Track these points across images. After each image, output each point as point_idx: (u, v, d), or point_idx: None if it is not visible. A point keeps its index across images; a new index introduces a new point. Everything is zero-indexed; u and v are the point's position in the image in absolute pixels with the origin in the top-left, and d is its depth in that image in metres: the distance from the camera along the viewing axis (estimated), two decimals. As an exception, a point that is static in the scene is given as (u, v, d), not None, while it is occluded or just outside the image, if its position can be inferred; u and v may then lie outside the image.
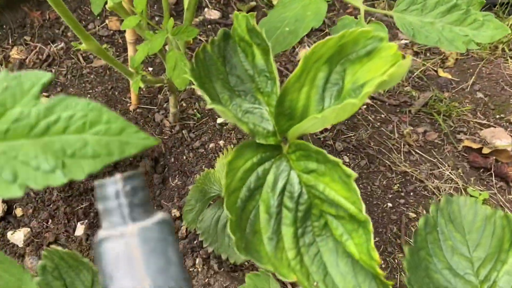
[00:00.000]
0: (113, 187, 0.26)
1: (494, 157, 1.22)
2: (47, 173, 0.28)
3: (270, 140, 0.48)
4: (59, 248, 0.51)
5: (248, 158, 0.47)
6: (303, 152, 0.46)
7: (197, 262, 0.88)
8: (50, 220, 0.91)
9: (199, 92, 0.46)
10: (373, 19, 1.44)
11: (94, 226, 0.91)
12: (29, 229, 0.89)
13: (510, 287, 0.54)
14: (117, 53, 1.31)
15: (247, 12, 0.53)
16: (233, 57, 0.55)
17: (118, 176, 0.26)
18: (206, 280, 0.86)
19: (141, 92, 1.18)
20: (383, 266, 0.98)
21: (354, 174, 0.40)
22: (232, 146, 1.08)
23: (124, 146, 0.29)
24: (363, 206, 0.40)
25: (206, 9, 1.47)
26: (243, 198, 0.46)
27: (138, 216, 0.26)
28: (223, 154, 0.87)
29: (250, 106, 0.52)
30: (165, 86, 0.98)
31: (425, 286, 0.50)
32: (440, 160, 1.22)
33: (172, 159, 1.07)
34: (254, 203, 0.47)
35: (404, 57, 0.42)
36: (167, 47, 0.90)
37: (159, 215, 0.26)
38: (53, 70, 1.25)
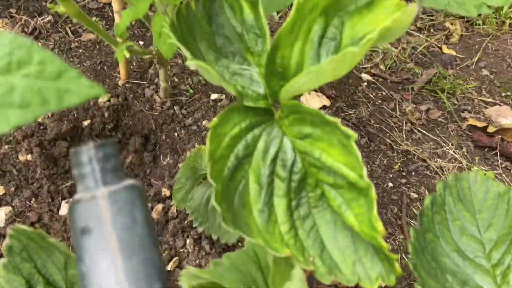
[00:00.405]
0: (87, 154, 0.28)
1: (499, 136, 1.17)
2: None
3: (260, 103, 0.43)
4: (26, 227, 0.46)
5: (235, 123, 0.42)
6: (296, 115, 0.41)
7: (187, 242, 0.83)
8: (33, 199, 0.86)
9: (179, 46, 0.41)
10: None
11: (79, 205, 0.87)
12: (11, 208, 0.84)
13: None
14: (107, 27, 1.25)
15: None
16: (220, 14, 0.49)
17: (91, 143, 0.28)
18: (197, 262, 0.82)
19: (131, 67, 1.13)
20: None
21: (354, 135, 0.35)
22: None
23: (63, 94, 0.24)
24: (364, 171, 0.35)
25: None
26: (230, 167, 0.41)
27: (109, 180, 0.28)
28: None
29: (238, 67, 0.47)
30: (154, 59, 0.93)
31: (432, 271, 0.45)
32: (444, 139, 1.17)
33: (163, 137, 1.02)
34: (243, 172, 0.42)
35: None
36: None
37: (129, 181, 0.28)
38: (40, 44, 1.19)
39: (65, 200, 0.85)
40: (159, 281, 0.25)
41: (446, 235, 0.50)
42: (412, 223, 0.97)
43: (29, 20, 1.22)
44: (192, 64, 0.40)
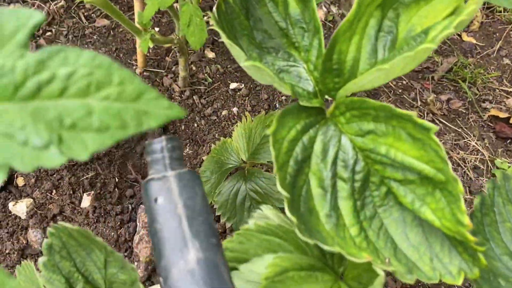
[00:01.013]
0: (159, 144, 0.35)
1: (522, 127, 1.15)
2: (38, 150, 0.20)
3: (314, 102, 0.41)
4: (68, 224, 0.44)
5: (291, 126, 0.40)
6: (355, 111, 0.39)
7: (212, 236, 0.82)
8: (54, 191, 0.84)
9: (229, 46, 0.38)
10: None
11: (101, 197, 0.85)
12: (31, 200, 0.83)
13: None
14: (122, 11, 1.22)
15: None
16: (257, 8, 0.47)
17: (163, 137, 0.35)
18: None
19: (148, 54, 1.10)
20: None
21: (435, 127, 0.33)
22: (247, 113, 1.01)
23: (142, 116, 0.21)
24: (449, 164, 0.33)
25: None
26: (291, 173, 0.39)
27: (175, 166, 0.34)
28: (240, 121, 0.80)
29: (284, 64, 0.45)
30: (175, 47, 0.90)
31: (485, 275, 0.43)
32: (465, 129, 1.15)
33: (183, 127, 1.00)
34: (304, 177, 0.40)
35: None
36: (175, 5, 0.82)
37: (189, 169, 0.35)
38: (53, 30, 1.16)
39: (87, 193, 0.84)
40: (214, 237, 0.32)
41: (497, 237, 0.48)
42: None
43: (42, 5, 1.18)
44: (247, 64, 0.38)
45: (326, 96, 0.45)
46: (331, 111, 0.42)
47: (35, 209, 0.82)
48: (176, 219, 0.31)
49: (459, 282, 0.35)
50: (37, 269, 0.50)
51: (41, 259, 0.46)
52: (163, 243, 0.30)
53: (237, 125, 0.79)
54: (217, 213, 0.74)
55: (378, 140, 0.38)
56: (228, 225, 0.74)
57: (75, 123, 0.21)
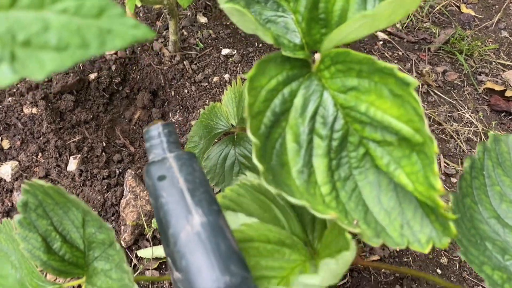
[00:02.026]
0: (156, 130, 0.39)
1: (517, 101, 1.14)
2: None
3: (298, 53, 0.39)
4: (42, 181, 0.43)
5: (272, 75, 0.39)
6: (340, 65, 0.37)
7: (200, 202, 0.81)
8: (40, 154, 0.83)
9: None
10: None
11: (88, 161, 0.83)
12: (17, 163, 0.81)
13: None
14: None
15: None
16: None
17: (159, 123, 0.39)
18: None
19: (138, 18, 1.07)
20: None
21: (415, 82, 0.32)
22: (238, 77, 0.99)
23: (105, 35, 0.20)
24: (426, 122, 0.32)
25: None
26: (267, 124, 0.38)
27: (172, 149, 0.38)
28: (231, 86, 0.78)
29: (272, 14, 0.43)
30: (165, 9, 0.88)
31: (472, 238, 0.43)
32: (460, 102, 1.13)
33: (173, 93, 0.98)
34: (280, 130, 0.38)
35: None
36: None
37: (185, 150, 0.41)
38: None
39: (73, 156, 0.82)
40: (215, 204, 0.35)
41: (485, 201, 0.47)
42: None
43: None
44: (226, 6, 0.36)
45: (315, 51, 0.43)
46: (317, 65, 0.41)
47: (21, 171, 0.81)
48: (179, 192, 0.34)
49: (426, 250, 0.34)
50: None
51: (16, 217, 0.45)
52: (170, 214, 0.34)
53: (226, 89, 0.77)
54: (207, 177, 0.72)
55: (360, 97, 0.36)
56: (216, 189, 0.73)
57: (29, 39, 0.19)
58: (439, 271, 0.83)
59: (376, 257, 0.79)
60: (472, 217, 0.45)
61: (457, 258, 0.86)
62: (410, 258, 0.82)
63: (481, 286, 0.83)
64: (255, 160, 0.33)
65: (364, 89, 0.36)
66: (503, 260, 0.42)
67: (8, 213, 0.79)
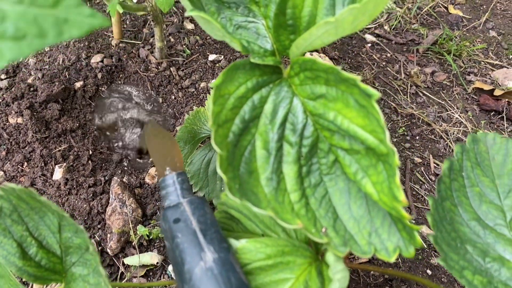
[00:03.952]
0: (171, 179, 0.44)
1: (506, 100, 1.14)
2: None
3: (268, 59, 0.39)
4: (15, 185, 0.42)
5: (241, 82, 0.39)
6: (308, 73, 0.37)
7: (187, 208, 0.81)
8: (25, 163, 0.83)
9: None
10: None
11: (73, 169, 0.83)
12: (2, 173, 0.81)
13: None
14: (98, -17, 1.18)
15: None
16: (222, -38, 0.44)
17: (174, 173, 0.44)
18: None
19: (124, 26, 1.07)
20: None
21: (377, 94, 0.32)
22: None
23: (62, 24, 0.20)
24: (387, 135, 0.32)
25: None
26: (236, 132, 0.37)
27: (186, 195, 0.43)
28: (214, 91, 0.78)
29: (243, 19, 0.43)
30: (149, 16, 0.88)
31: (452, 242, 0.42)
32: (449, 102, 1.13)
33: (160, 100, 0.98)
34: (250, 137, 0.38)
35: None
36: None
37: (198, 195, 0.47)
38: (27, 1, 1.12)
39: (59, 165, 0.82)
40: (225, 242, 0.38)
41: (465, 203, 0.47)
42: (415, 188, 0.95)
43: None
44: (192, 14, 0.36)
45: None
46: (288, 71, 0.41)
47: (6, 182, 0.80)
48: (193, 232, 0.38)
49: (392, 259, 0.34)
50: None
51: (-10, 224, 0.45)
52: (185, 252, 0.37)
53: (210, 94, 0.77)
54: (190, 183, 0.72)
55: (328, 105, 0.36)
56: (200, 194, 0.73)
57: (-15, 29, 0.19)
58: (429, 271, 0.82)
59: (365, 259, 0.79)
60: (452, 220, 0.45)
61: (447, 259, 0.85)
62: (400, 259, 0.82)
63: None
64: (219, 171, 0.33)
65: (331, 97, 0.36)
66: (484, 263, 0.42)
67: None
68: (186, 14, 0.37)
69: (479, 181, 0.47)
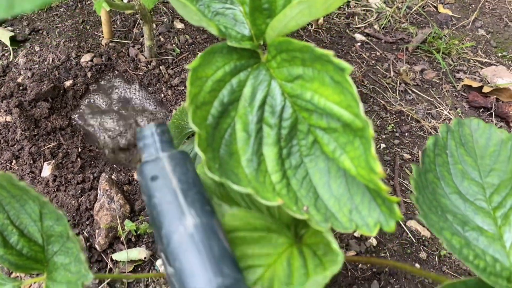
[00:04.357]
0: (149, 130, 0.39)
1: (494, 97, 1.15)
2: None
3: (245, 43, 0.40)
4: (-5, 173, 0.43)
5: (219, 66, 0.39)
6: (285, 55, 0.37)
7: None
8: (14, 161, 0.83)
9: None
10: None
11: (62, 166, 0.83)
12: (-10, 171, 0.81)
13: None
14: (88, -16, 1.19)
15: None
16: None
17: (152, 123, 0.39)
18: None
19: (115, 26, 1.08)
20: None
21: (349, 67, 0.32)
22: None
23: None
24: (361, 107, 0.32)
25: None
26: (215, 114, 0.38)
27: (166, 148, 0.38)
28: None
29: (220, 6, 0.43)
30: (137, 15, 0.88)
31: (433, 208, 0.43)
32: (438, 99, 1.14)
33: (149, 97, 0.98)
34: (229, 120, 0.39)
35: None
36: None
37: (179, 149, 0.38)
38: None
39: (47, 162, 0.82)
40: (208, 205, 0.35)
41: (447, 177, 0.48)
42: (405, 183, 0.95)
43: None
44: (171, 0, 0.37)
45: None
46: (266, 57, 0.41)
47: (-6, 179, 0.80)
48: (172, 193, 0.34)
49: (374, 233, 0.35)
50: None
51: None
52: (162, 214, 0.34)
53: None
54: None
55: (305, 85, 0.37)
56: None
57: None
58: (417, 265, 0.83)
59: (352, 253, 0.79)
60: (434, 191, 0.46)
61: (437, 252, 0.86)
62: (388, 253, 0.82)
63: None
64: (197, 150, 0.33)
65: (308, 78, 0.37)
66: (463, 231, 0.43)
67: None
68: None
69: (462, 160, 0.48)
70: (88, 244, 0.75)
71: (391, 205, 0.34)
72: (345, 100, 0.34)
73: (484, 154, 0.48)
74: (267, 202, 0.35)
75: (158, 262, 0.74)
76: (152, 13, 0.94)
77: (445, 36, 1.29)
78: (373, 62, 1.20)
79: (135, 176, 0.85)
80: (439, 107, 1.12)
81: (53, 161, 0.83)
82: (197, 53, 1.07)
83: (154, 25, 1.09)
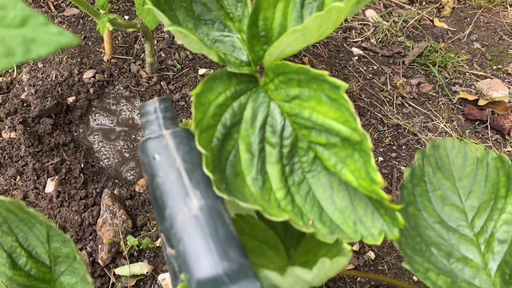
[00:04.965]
0: (152, 106, 0.37)
1: (490, 109, 1.17)
2: None
3: (244, 69, 0.42)
4: (3, 197, 0.44)
5: (220, 91, 0.41)
6: (282, 77, 0.39)
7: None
8: (18, 177, 0.84)
9: (156, 12, 0.39)
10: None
11: (65, 182, 0.85)
12: (-5, 187, 0.83)
13: (510, 239, 0.48)
14: (91, 1, 1.21)
15: None
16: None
17: (155, 98, 0.37)
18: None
19: (116, 42, 1.10)
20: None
21: (344, 85, 0.34)
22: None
23: (30, 43, 0.22)
24: (358, 122, 0.34)
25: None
26: (219, 137, 0.40)
27: (169, 125, 0.37)
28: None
29: (219, 34, 0.45)
30: (139, 32, 0.90)
31: (417, 246, 0.44)
32: (434, 112, 1.16)
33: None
34: (233, 142, 0.40)
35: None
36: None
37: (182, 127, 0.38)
38: (21, 20, 1.15)
39: (51, 178, 0.84)
40: (213, 186, 0.33)
41: (428, 207, 0.49)
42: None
43: (10, -6, 1.18)
44: (170, 30, 0.38)
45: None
46: (263, 79, 0.43)
47: (-1, 195, 0.82)
48: (176, 172, 0.33)
49: (379, 242, 0.36)
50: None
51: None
52: (166, 194, 0.33)
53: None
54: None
55: (303, 104, 0.39)
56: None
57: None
58: (415, 278, 0.84)
59: (351, 266, 0.81)
60: (417, 224, 0.47)
61: (434, 265, 0.87)
62: (386, 266, 0.83)
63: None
64: (206, 171, 0.35)
65: (305, 97, 0.39)
66: (448, 264, 0.44)
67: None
68: (165, 29, 0.39)
69: (441, 185, 0.49)
70: (91, 259, 0.76)
71: (393, 213, 0.36)
72: (342, 116, 0.36)
73: (462, 176, 0.49)
74: (274, 218, 0.37)
75: (160, 277, 0.75)
76: (152, 30, 0.96)
77: (441, 50, 1.31)
78: (370, 76, 1.22)
79: (137, 189, 0.86)
80: (436, 120, 1.14)
81: (57, 177, 0.84)
82: (197, 68, 1.09)
83: (155, 41, 1.11)
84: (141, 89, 1.01)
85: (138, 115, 0.98)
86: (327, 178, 0.39)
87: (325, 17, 0.33)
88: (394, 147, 1.06)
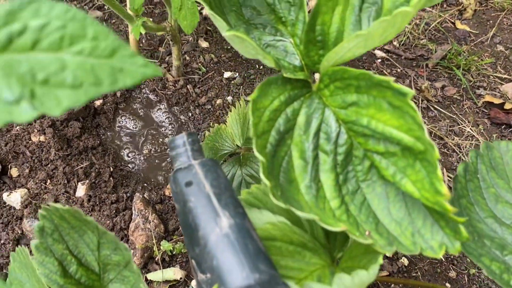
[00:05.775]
0: (181, 140, 0.41)
1: (516, 113, 1.15)
2: (9, 104, 0.20)
3: (298, 74, 0.41)
4: (59, 205, 0.44)
5: (274, 96, 0.40)
6: (339, 83, 0.39)
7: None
8: (48, 181, 0.84)
9: (212, 17, 0.38)
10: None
11: (95, 186, 0.85)
12: (26, 190, 0.83)
13: None
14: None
15: None
16: (247, -16, 0.47)
17: (183, 133, 0.41)
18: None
19: (141, 45, 1.10)
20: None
21: (411, 92, 0.33)
22: (242, 98, 1.01)
23: (117, 73, 0.21)
24: (425, 130, 0.33)
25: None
26: (273, 143, 0.39)
27: (197, 156, 0.40)
28: (235, 107, 0.80)
29: (271, 39, 0.45)
30: (168, 36, 0.90)
31: (470, 235, 0.44)
32: (460, 116, 1.15)
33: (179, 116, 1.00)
34: (286, 148, 0.40)
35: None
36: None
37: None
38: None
39: (81, 182, 0.84)
40: (240, 207, 0.37)
41: (481, 202, 0.49)
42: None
43: (34, -2, 1.18)
44: (227, 34, 0.38)
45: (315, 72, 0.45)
46: (317, 85, 0.42)
47: (30, 199, 0.82)
48: (206, 196, 0.36)
49: (440, 255, 0.35)
50: (31, 254, 0.50)
51: (33, 242, 0.46)
52: (198, 217, 0.36)
53: (231, 111, 0.79)
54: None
55: (360, 111, 0.38)
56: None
57: (48, 78, 0.21)
58: (448, 285, 0.83)
59: (385, 273, 0.80)
60: (469, 216, 0.47)
61: (466, 272, 0.86)
62: (419, 273, 0.82)
63: (491, 298, 0.83)
64: (262, 177, 0.34)
65: (363, 104, 0.38)
66: (502, 256, 0.43)
67: (18, 240, 0.80)
68: (223, 34, 0.39)
69: (494, 183, 0.49)
70: (123, 263, 0.76)
71: (456, 225, 0.35)
72: (406, 124, 0.35)
73: (515, 177, 0.49)
74: (330, 228, 0.36)
75: (193, 283, 0.75)
76: (180, 33, 0.96)
77: (464, 52, 1.30)
78: (395, 78, 1.21)
79: (167, 193, 0.86)
80: (461, 124, 1.13)
81: (87, 181, 0.84)
82: (223, 72, 1.09)
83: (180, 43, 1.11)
84: (168, 93, 1.01)
85: (168, 149, 0.98)
86: (382, 188, 0.39)
87: (391, 22, 0.32)
88: (421, 151, 1.05)
